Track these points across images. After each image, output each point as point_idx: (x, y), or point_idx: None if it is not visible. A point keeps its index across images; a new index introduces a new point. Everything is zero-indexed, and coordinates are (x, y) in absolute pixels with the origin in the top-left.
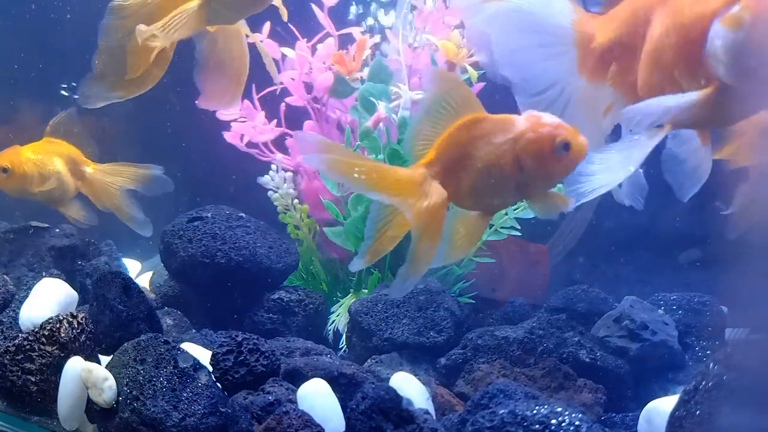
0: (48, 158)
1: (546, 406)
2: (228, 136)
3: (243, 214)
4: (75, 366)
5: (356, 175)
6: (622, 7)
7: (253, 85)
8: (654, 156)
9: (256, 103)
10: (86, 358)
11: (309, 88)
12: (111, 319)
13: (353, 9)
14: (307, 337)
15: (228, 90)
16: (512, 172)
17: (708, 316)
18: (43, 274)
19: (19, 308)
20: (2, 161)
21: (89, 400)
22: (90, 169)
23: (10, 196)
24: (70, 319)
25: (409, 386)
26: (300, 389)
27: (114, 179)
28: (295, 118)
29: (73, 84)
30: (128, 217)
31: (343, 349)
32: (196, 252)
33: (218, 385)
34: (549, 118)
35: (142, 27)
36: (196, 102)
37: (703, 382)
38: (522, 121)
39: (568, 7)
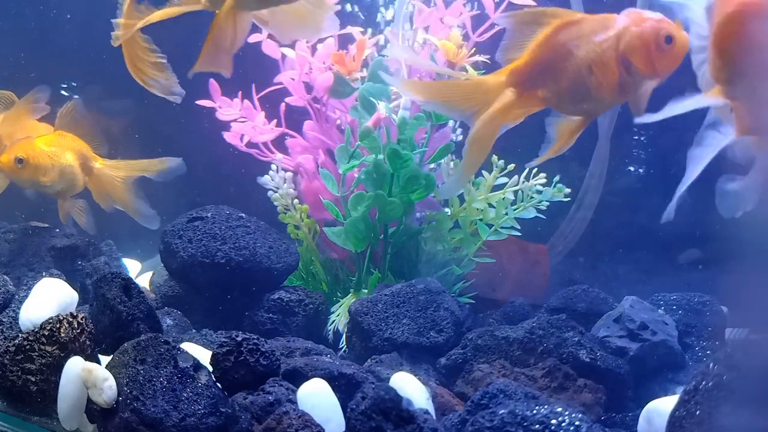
0: (60, 151)
1: (546, 406)
2: (228, 136)
3: (243, 214)
4: (75, 366)
5: (431, 100)
6: None
7: (253, 86)
8: (649, 155)
9: (256, 103)
10: (86, 358)
11: (309, 88)
12: (111, 319)
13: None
14: (307, 337)
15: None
16: (616, 70)
17: (708, 316)
18: (43, 274)
19: (19, 308)
20: (17, 152)
21: (89, 400)
22: (98, 164)
23: (21, 188)
24: (70, 319)
25: (409, 386)
26: (300, 389)
27: (121, 174)
28: (295, 118)
29: (73, 84)
30: (135, 211)
31: (343, 349)
32: (196, 252)
33: (218, 385)
34: (650, 13)
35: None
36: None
37: (703, 382)
38: (622, 18)
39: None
